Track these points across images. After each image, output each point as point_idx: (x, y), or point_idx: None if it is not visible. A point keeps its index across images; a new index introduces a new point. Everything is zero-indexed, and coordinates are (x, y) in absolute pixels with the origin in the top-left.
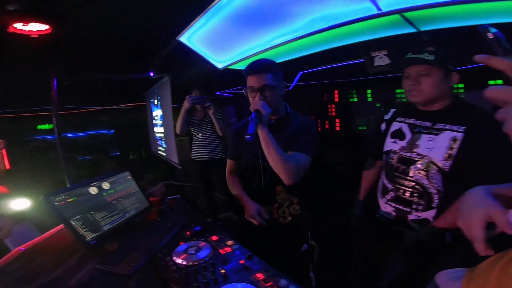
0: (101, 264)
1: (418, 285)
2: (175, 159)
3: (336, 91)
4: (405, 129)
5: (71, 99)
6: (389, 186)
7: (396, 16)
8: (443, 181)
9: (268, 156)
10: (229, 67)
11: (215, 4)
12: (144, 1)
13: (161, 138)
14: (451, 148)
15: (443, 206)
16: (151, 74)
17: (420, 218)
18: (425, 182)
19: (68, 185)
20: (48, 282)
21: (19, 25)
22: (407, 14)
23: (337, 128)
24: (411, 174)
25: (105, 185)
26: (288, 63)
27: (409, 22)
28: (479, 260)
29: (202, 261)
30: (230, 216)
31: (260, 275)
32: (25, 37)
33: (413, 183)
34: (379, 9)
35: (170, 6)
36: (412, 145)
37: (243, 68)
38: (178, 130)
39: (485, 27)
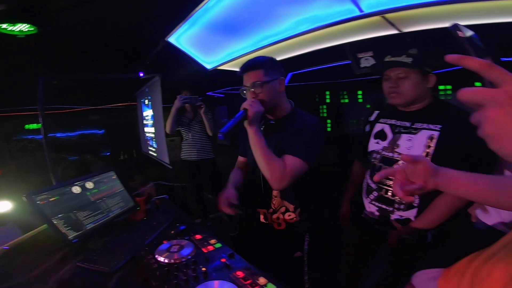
0: (83, 262)
1: (401, 284)
2: (165, 159)
3: (327, 92)
4: (387, 129)
5: (61, 98)
6: (373, 186)
7: (378, 18)
8: None
9: (255, 156)
10: (218, 68)
11: (203, 5)
12: (133, 2)
13: (152, 138)
14: (429, 147)
15: (424, 205)
16: (141, 74)
17: (403, 217)
18: None
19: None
20: (29, 279)
21: (5, 26)
22: (388, 16)
23: (328, 129)
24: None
25: (89, 185)
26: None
27: (391, 23)
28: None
29: (184, 259)
30: (220, 216)
31: (240, 273)
32: (12, 37)
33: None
34: (361, 10)
35: (159, 7)
36: (393, 145)
37: (232, 68)
38: (168, 129)
39: (456, 26)
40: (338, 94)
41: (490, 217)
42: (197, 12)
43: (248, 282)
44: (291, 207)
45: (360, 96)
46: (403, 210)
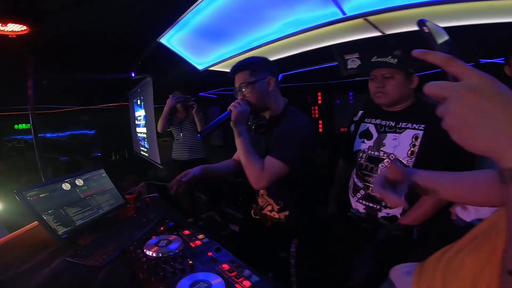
0: (72, 257)
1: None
2: (157, 159)
3: (319, 93)
4: (372, 129)
5: (51, 98)
6: (360, 184)
7: (361, 20)
8: None
9: (239, 155)
10: (210, 69)
11: (194, 8)
12: (125, 2)
13: (143, 138)
14: (414, 145)
15: (409, 202)
16: (132, 75)
17: (389, 215)
18: None
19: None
20: (19, 273)
21: None
22: (371, 18)
23: (320, 130)
24: (378, 172)
25: (79, 182)
26: None
27: (374, 25)
28: None
29: (171, 253)
30: (212, 215)
31: (225, 266)
32: (3, 37)
33: None
34: (344, 13)
35: (150, 8)
36: (379, 144)
37: (223, 69)
38: (159, 129)
39: (421, 21)
40: (330, 95)
41: (469, 214)
42: (188, 14)
43: (233, 274)
44: (276, 207)
45: (351, 97)
46: (390, 207)
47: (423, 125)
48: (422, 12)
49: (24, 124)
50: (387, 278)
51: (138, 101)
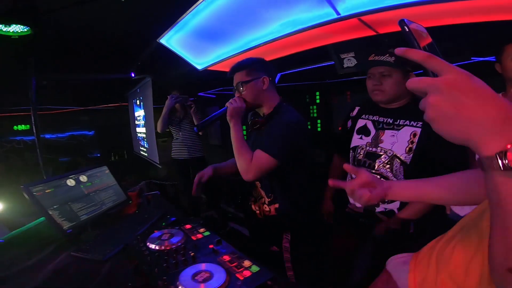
0: (77, 251)
1: None
2: (156, 158)
3: (317, 93)
4: (370, 125)
5: (50, 99)
6: None
7: (355, 20)
8: (405, 173)
9: (233, 148)
10: (209, 69)
11: (193, 9)
12: (126, 3)
13: (143, 138)
14: (412, 142)
15: None
16: (132, 75)
17: (387, 209)
18: (390, 175)
19: None
20: (25, 268)
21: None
22: (364, 18)
23: (318, 129)
24: (376, 167)
25: (83, 178)
26: None
27: (367, 25)
28: None
29: (173, 246)
30: (211, 214)
31: (226, 257)
32: (6, 38)
33: (378, 176)
34: (338, 13)
35: (150, 8)
36: (377, 140)
37: (222, 69)
38: (159, 129)
39: (402, 20)
40: (328, 94)
41: (463, 209)
42: (188, 15)
43: (234, 264)
44: (267, 200)
45: (349, 97)
46: (388, 202)
47: (421, 123)
48: (414, 12)
49: (23, 125)
50: (384, 268)
51: (138, 101)
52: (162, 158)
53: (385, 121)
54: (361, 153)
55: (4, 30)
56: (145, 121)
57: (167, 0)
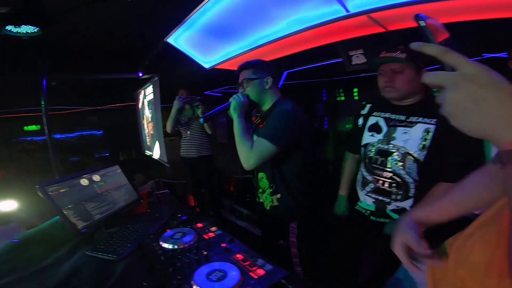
0: (91, 251)
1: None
2: (164, 158)
3: (324, 90)
4: (382, 122)
5: (59, 99)
6: (369, 178)
7: (364, 17)
8: (418, 171)
9: (235, 139)
10: (216, 67)
11: (201, 7)
12: (133, 3)
13: (150, 137)
14: (425, 139)
15: (419, 195)
16: (140, 74)
17: (399, 208)
18: (402, 172)
19: None
20: (41, 268)
21: (10, 27)
22: (374, 15)
23: (325, 127)
24: (388, 165)
25: (96, 177)
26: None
27: (377, 22)
28: None
29: (186, 245)
30: (220, 213)
31: (239, 256)
32: (16, 38)
33: (391, 174)
34: (347, 11)
35: (158, 7)
36: (388, 137)
37: (229, 68)
38: (169, 130)
39: (418, 15)
40: (335, 91)
41: None
42: (195, 14)
43: (247, 263)
44: (270, 191)
45: (356, 94)
46: (400, 200)
47: (435, 120)
48: (424, 8)
49: (33, 126)
50: (401, 265)
51: (145, 100)
52: (169, 157)
53: (397, 118)
54: (372, 150)
55: (14, 31)
56: (153, 121)
57: None
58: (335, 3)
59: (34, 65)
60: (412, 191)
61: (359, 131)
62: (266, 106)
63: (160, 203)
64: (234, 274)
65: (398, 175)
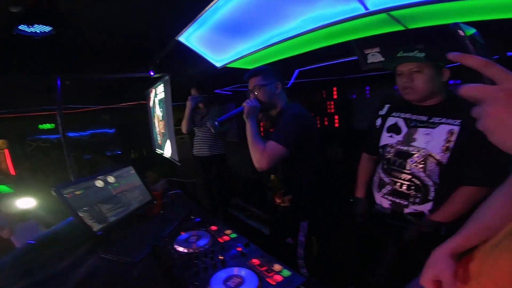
0: (107, 253)
1: (411, 277)
2: (175, 156)
3: (334, 88)
4: (401, 123)
5: (72, 98)
6: (386, 179)
7: (384, 15)
8: (440, 173)
9: (248, 141)
10: (227, 66)
11: (213, 5)
12: (144, 2)
13: (161, 135)
14: (449, 141)
15: (439, 199)
16: (151, 73)
17: (417, 211)
18: (422, 175)
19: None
20: (58, 271)
21: (23, 27)
22: (394, 13)
23: (336, 125)
24: (407, 167)
25: (110, 179)
26: (285, 61)
27: (397, 20)
28: None
29: (202, 249)
30: (232, 213)
31: (256, 261)
32: (30, 38)
33: (409, 176)
34: (366, 8)
35: (169, 6)
36: (409, 138)
37: (240, 66)
38: (184, 130)
39: (456, 25)
40: (346, 90)
41: None
42: (207, 12)
43: (264, 268)
44: (282, 191)
45: (367, 92)
46: (418, 204)
47: (459, 120)
48: (448, 7)
49: (48, 124)
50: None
51: (156, 99)
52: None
53: (418, 119)
54: (391, 151)
55: (27, 30)
56: (164, 119)
57: None
58: (353, 1)
59: (48, 65)
60: (431, 195)
61: (377, 132)
62: (275, 110)
63: (173, 204)
64: (251, 280)
65: (418, 178)
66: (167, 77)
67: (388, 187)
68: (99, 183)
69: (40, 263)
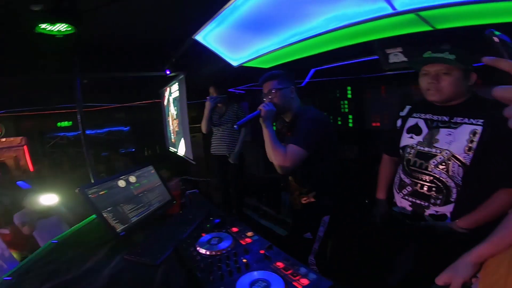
0: (129, 255)
1: (431, 280)
2: (189, 155)
3: (348, 88)
4: (422, 124)
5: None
6: (407, 180)
7: (411, 15)
8: (463, 174)
9: (266, 146)
10: (244, 65)
11: (231, 3)
12: (162, 1)
13: (175, 134)
14: (472, 141)
15: (461, 201)
16: (167, 72)
17: (438, 213)
18: (444, 176)
19: (92, 181)
20: (82, 273)
21: (45, 25)
22: (422, 13)
23: (350, 125)
24: (429, 168)
25: (132, 179)
26: (302, 60)
27: (425, 20)
28: None
29: (224, 251)
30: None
31: (280, 264)
32: (51, 37)
33: (431, 177)
34: (394, 8)
35: (187, 5)
36: (430, 139)
37: (256, 65)
38: (204, 130)
39: (491, 31)
40: (360, 89)
41: None
42: (226, 10)
43: (289, 272)
44: (304, 190)
45: (382, 92)
46: (440, 205)
47: (482, 120)
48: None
49: (66, 122)
50: None
51: (171, 98)
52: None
53: (439, 119)
54: (411, 152)
55: (48, 29)
56: (178, 118)
57: None
58: (381, 1)
59: (67, 64)
60: (453, 196)
61: (397, 133)
62: (289, 114)
63: (191, 204)
64: (277, 284)
65: (439, 179)
66: (182, 76)
67: (409, 188)
68: (121, 183)
69: (64, 264)
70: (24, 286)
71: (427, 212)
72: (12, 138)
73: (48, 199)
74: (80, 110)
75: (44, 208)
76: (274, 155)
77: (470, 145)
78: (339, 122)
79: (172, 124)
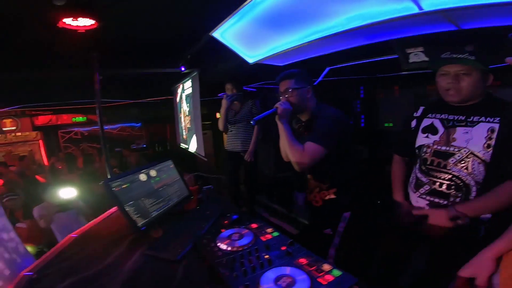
0: (150, 250)
1: (445, 279)
2: (201, 151)
3: (361, 87)
4: (437, 123)
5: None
6: (424, 179)
7: (438, 15)
8: (484, 172)
9: (283, 144)
10: (259, 62)
11: (250, 1)
12: None
13: (187, 130)
14: (490, 138)
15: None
16: (182, 69)
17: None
18: (464, 174)
19: (108, 176)
20: (103, 268)
21: (68, 20)
22: (450, 13)
23: (362, 124)
24: (448, 166)
25: (152, 173)
26: (317, 58)
27: (451, 20)
28: None
29: (246, 247)
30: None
31: (303, 260)
32: (73, 32)
33: (450, 176)
34: (420, 8)
35: (206, 2)
36: (447, 138)
37: (272, 63)
38: (221, 128)
39: None
40: (373, 89)
41: None
42: (245, 7)
43: (313, 268)
44: (324, 186)
45: (395, 92)
46: (459, 203)
47: (498, 118)
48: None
49: (80, 117)
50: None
51: (184, 94)
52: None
53: (456, 119)
54: (427, 152)
55: (71, 24)
56: (191, 115)
57: None
58: (407, 0)
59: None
60: (473, 194)
61: (412, 134)
62: (306, 114)
63: (208, 199)
64: (302, 280)
65: (459, 177)
66: (195, 73)
67: (426, 187)
68: (142, 177)
69: (85, 258)
70: (45, 281)
71: None
72: (27, 133)
73: (67, 193)
74: (99, 106)
75: (63, 201)
76: (291, 151)
77: (488, 142)
78: (351, 122)
79: (184, 121)
